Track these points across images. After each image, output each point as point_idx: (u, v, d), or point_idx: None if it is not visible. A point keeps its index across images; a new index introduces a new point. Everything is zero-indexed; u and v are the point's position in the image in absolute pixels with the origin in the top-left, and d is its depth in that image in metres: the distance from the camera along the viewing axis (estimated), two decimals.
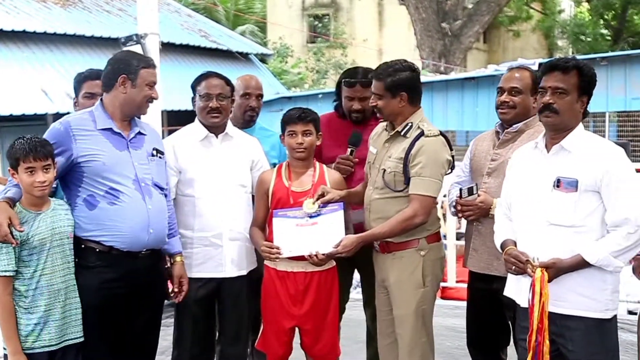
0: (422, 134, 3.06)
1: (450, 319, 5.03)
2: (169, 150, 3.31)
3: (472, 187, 3.19)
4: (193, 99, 3.47)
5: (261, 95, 3.84)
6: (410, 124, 3.11)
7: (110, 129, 3.01)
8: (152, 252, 3.08)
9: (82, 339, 2.94)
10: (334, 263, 3.32)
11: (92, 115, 3.03)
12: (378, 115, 3.28)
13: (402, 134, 3.11)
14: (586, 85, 2.67)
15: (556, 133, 2.71)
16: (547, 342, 2.55)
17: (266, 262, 3.30)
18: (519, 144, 3.10)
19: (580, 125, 2.74)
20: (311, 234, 3.15)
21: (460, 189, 3.22)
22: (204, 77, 3.46)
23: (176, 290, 3.24)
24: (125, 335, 3.06)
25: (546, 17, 26.79)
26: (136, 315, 3.07)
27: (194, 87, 3.47)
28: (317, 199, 3.19)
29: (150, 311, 3.17)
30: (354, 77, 3.57)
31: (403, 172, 3.07)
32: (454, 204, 3.31)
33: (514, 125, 3.22)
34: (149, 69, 3.04)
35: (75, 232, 2.94)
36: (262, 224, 3.33)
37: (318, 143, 3.34)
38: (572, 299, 2.63)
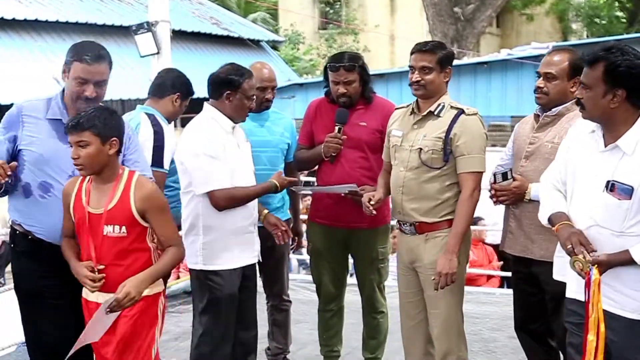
0: (462, 112, 3.14)
1: (463, 304, 4.99)
2: (220, 149, 3.21)
3: (506, 173, 3.16)
4: (233, 92, 3.26)
5: (275, 86, 3.82)
6: (442, 104, 3.17)
7: (59, 120, 2.90)
8: None
9: None
10: None
11: (48, 103, 2.94)
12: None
13: (435, 113, 3.18)
14: (614, 78, 2.43)
15: (606, 128, 2.56)
16: (602, 344, 2.44)
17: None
18: (558, 128, 3.05)
19: None
20: None
21: (494, 174, 3.19)
22: (249, 71, 3.32)
23: None
24: (71, 326, 2.88)
25: None
26: (77, 306, 2.88)
27: (237, 82, 3.26)
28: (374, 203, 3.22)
29: None
30: (340, 61, 3.57)
31: (442, 150, 3.13)
32: (489, 187, 3.28)
33: (553, 109, 3.14)
34: (80, 63, 2.86)
35: (12, 216, 2.92)
36: (72, 234, 2.82)
37: (111, 152, 2.67)
38: (619, 299, 2.54)
